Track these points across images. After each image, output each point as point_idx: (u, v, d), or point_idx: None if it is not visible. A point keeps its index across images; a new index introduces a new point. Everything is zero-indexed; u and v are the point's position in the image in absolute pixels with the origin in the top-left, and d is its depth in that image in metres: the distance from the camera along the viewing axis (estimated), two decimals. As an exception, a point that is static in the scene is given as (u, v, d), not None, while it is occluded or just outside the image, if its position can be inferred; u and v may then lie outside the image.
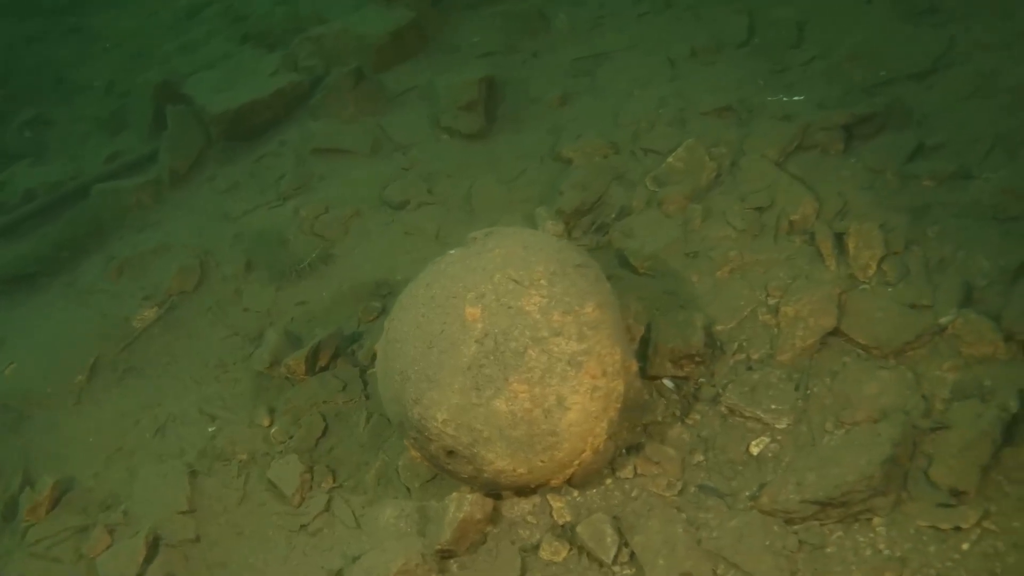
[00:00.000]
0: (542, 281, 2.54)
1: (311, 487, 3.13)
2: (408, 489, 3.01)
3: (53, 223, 4.63)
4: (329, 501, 3.07)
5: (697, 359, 3.07)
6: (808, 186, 3.61)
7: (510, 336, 2.46)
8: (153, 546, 2.98)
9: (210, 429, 3.38)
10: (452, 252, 2.76)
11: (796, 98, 4.19)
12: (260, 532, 3.05)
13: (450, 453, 2.59)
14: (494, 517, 2.85)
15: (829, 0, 4.70)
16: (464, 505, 2.71)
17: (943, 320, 2.98)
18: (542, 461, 2.57)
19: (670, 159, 3.85)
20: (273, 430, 3.30)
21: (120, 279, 4.21)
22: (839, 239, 3.34)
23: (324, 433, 3.25)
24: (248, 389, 3.55)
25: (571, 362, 2.49)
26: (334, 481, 3.14)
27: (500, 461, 2.56)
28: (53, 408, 3.65)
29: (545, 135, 4.49)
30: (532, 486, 2.76)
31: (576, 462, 2.66)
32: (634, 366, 2.76)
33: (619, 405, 2.66)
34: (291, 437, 3.27)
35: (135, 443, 3.42)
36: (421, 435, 2.59)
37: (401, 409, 2.62)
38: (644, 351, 3.12)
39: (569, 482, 2.88)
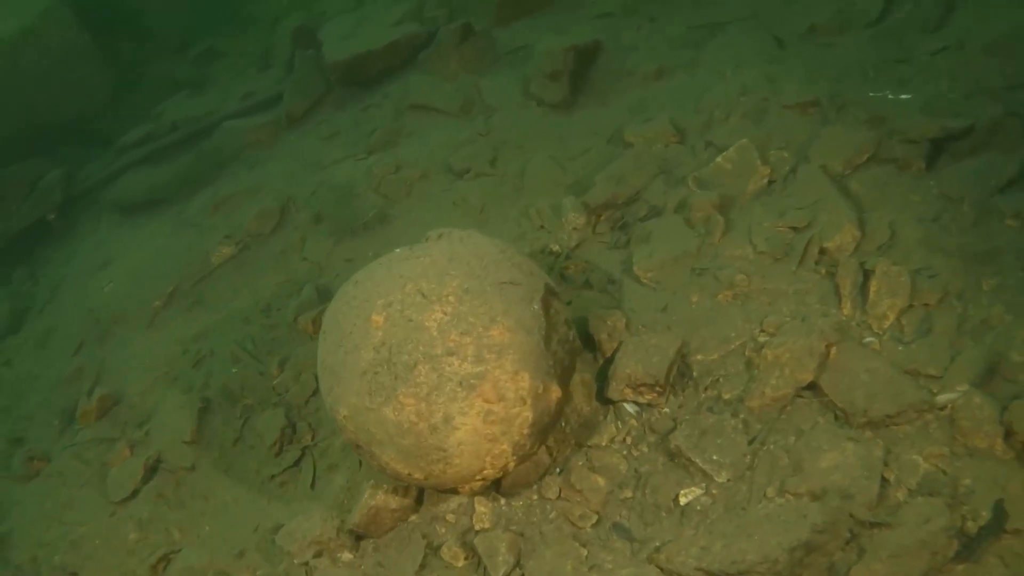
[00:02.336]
0: (450, 298, 2.54)
1: (291, 441, 3.43)
2: (360, 463, 3.21)
3: (185, 155, 5.26)
4: (300, 458, 3.36)
5: (657, 389, 2.92)
6: (860, 209, 3.19)
7: (403, 349, 2.51)
8: (152, 469, 3.46)
9: (233, 370, 3.78)
10: (397, 251, 2.82)
11: (903, 96, 3.65)
12: (241, 473, 3.42)
13: (357, 446, 2.73)
14: (425, 506, 2.99)
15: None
16: (377, 494, 2.86)
17: (942, 398, 2.58)
18: (437, 471, 2.63)
19: (719, 159, 3.55)
20: (275, 382, 3.63)
21: (215, 215, 4.72)
22: (867, 278, 2.95)
23: (314, 393, 3.51)
24: (278, 337, 3.90)
25: (462, 384, 2.49)
26: (312, 440, 3.42)
27: (395, 464, 2.66)
28: (130, 328, 4.26)
29: (625, 112, 4.28)
30: (443, 488, 2.84)
31: (478, 477, 2.69)
32: (555, 393, 2.68)
33: (527, 430, 2.63)
34: (287, 391, 3.58)
35: (177, 370, 3.92)
36: (335, 424, 2.76)
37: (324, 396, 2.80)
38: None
39: (499, 489, 2.94)
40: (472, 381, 2.50)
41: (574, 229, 3.61)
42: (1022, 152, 3.17)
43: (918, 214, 3.12)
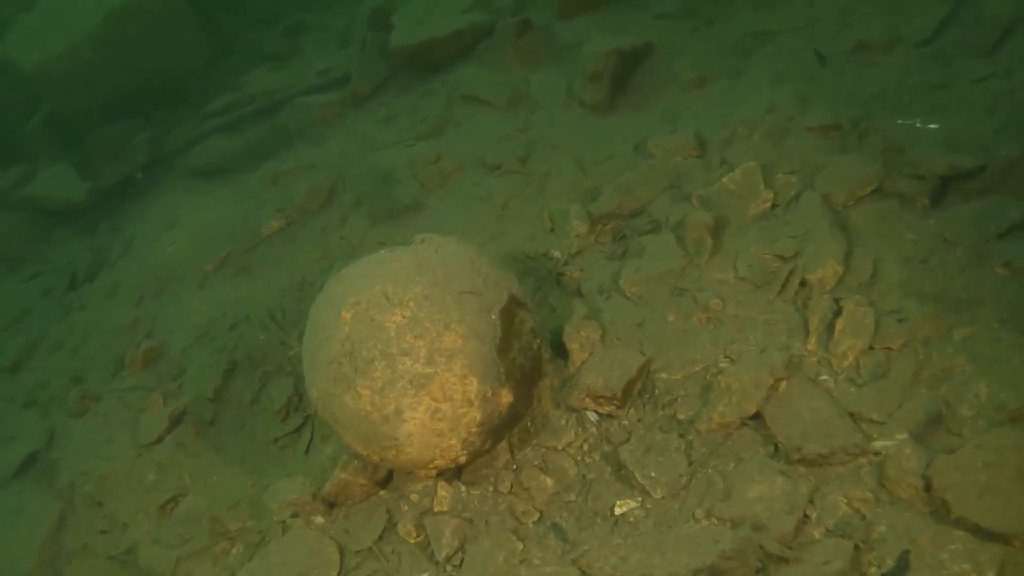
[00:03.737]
0: (411, 303, 2.80)
1: (296, 409, 3.82)
2: (349, 436, 3.54)
3: (258, 127, 5.70)
4: (301, 426, 3.74)
5: (615, 402, 3.09)
6: (852, 243, 3.23)
7: (364, 345, 2.80)
8: (177, 419, 3.93)
9: (261, 337, 4.20)
10: (381, 252, 3.11)
11: (931, 126, 3.61)
12: (252, 432, 3.84)
13: (327, 425, 3.06)
14: (394, 484, 3.30)
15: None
16: (348, 468, 3.19)
17: (878, 443, 2.66)
18: (390, 456, 2.92)
19: (725, 179, 3.63)
20: (292, 352, 4.01)
21: (272, 188, 5.14)
22: (836, 315, 3.01)
23: (322, 367, 3.87)
24: (305, 311, 4.23)
25: (413, 382, 2.76)
26: (313, 411, 3.78)
27: (356, 445, 2.97)
28: (184, 287, 4.75)
29: (657, 119, 4.39)
30: (402, 471, 3.14)
31: (431, 465, 2.97)
32: (505, 397, 2.91)
33: (475, 429, 2.88)
34: (300, 363, 3.95)
35: (215, 331, 4.37)
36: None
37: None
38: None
39: (460, 476, 3.21)
40: (422, 380, 2.77)
41: (577, 236, 3.79)
42: (1031, 198, 3.14)
43: (908, 254, 3.14)
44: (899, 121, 3.68)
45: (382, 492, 3.27)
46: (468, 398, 2.82)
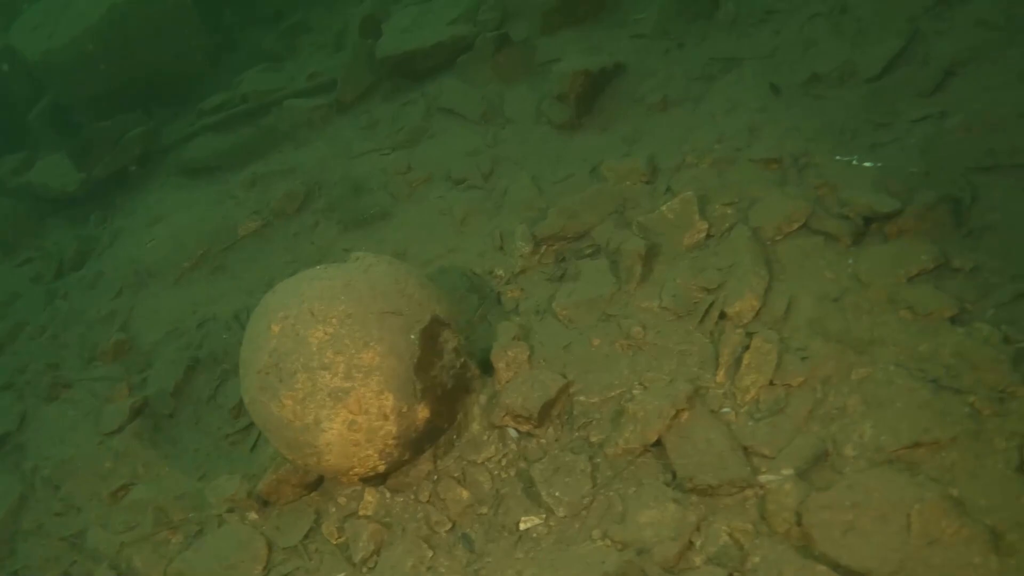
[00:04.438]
0: (333, 320, 2.99)
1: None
2: (291, 438, 3.75)
3: (247, 127, 5.90)
4: (251, 423, 3.94)
5: (532, 422, 3.26)
6: (773, 278, 3.35)
7: (289, 358, 2.99)
8: (138, 411, 4.15)
9: (224, 336, 4.41)
10: (317, 268, 3.29)
11: (867, 164, 3.71)
12: (206, 428, 4.06)
13: (259, 428, 3.27)
14: (326, 487, 3.49)
15: (1012, 43, 3.89)
16: (280, 469, 3.39)
17: (764, 478, 2.81)
18: (312, 462, 3.12)
19: (663, 207, 3.76)
20: (249, 353, 4.22)
21: (252, 189, 5.35)
22: (746, 350, 3.15)
23: (276, 369, 4.08)
24: (268, 312, 4.49)
25: (331, 394, 2.96)
26: (258, 411, 3.99)
27: (282, 449, 3.18)
28: (161, 282, 4.98)
29: (618, 141, 4.51)
30: (327, 476, 3.34)
31: (352, 472, 3.16)
32: (422, 413, 3.10)
33: (392, 441, 3.07)
34: (252, 365, 4.16)
35: (184, 327, 4.59)
36: (246, 406, 3.30)
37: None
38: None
39: (386, 483, 3.40)
40: (340, 394, 2.96)
41: (521, 256, 3.95)
42: (948, 243, 3.24)
43: (823, 292, 3.26)
44: (837, 158, 3.79)
45: (314, 494, 3.48)
46: (383, 412, 3.01)
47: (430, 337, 3.14)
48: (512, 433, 3.34)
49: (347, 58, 5.94)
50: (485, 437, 3.37)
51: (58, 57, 6.30)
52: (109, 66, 6.37)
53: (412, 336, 3.06)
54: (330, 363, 2.96)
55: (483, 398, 3.43)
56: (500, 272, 3.96)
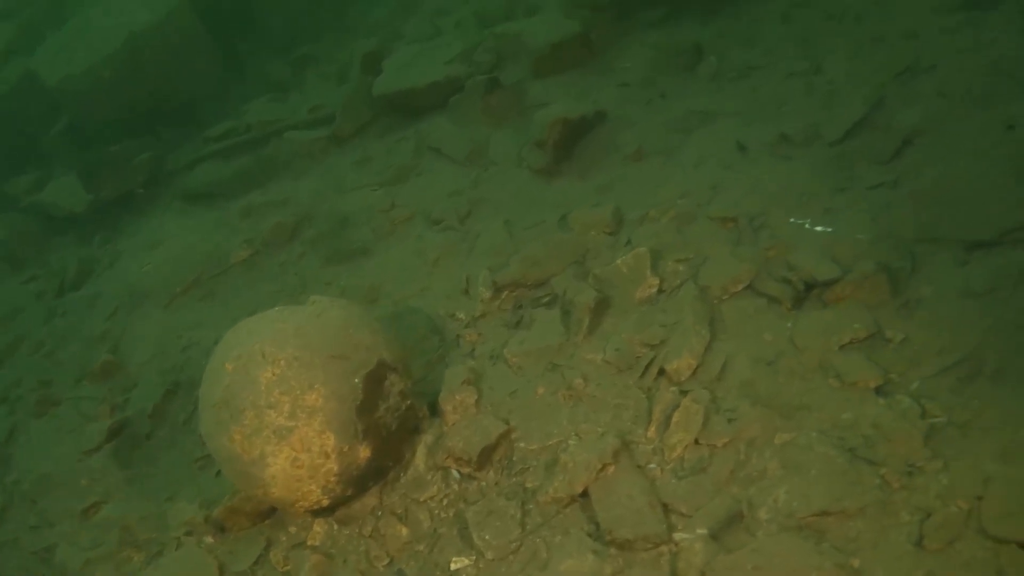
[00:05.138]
0: (282, 362, 3.17)
1: (218, 434, 4.22)
2: (253, 467, 3.94)
3: (248, 156, 6.15)
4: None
5: (472, 465, 3.41)
6: (713, 338, 3.47)
7: (239, 395, 3.18)
8: (117, 431, 4.37)
9: (204, 362, 4.59)
10: (276, 309, 3.48)
11: (818, 228, 3.83)
12: (180, 450, 4.26)
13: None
14: (279, 516, 3.67)
15: (969, 116, 3.99)
16: (235, 497, 3.58)
17: (678, 535, 2.92)
18: (259, 494, 3.30)
19: (619, 261, 3.90)
20: (224, 381, 4.42)
21: (246, 219, 5.58)
22: (676, 408, 3.27)
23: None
24: (248, 340, 4.69)
25: (276, 432, 3.13)
26: (233, 437, 4.18)
27: (234, 481, 3.36)
28: (153, 306, 5.21)
29: (591, 190, 4.67)
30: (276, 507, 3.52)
31: (298, 505, 3.33)
32: (363, 452, 3.26)
33: (334, 478, 3.24)
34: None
35: (169, 351, 4.81)
36: (205, 436, 3.49)
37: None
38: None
39: (334, 515, 3.57)
40: (284, 432, 3.14)
41: (482, 301, 4.11)
42: (883, 311, 3.34)
43: (759, 354, 3.37)
44: (792, 220, 3.91)
45: (268, 521, 3.66)
46: (325, 451, 3.18)
47: (375, 381, 3.31)
48: (455, 474, 3.49)
49: (347, 93, 6.16)
50: (429, 477, 3.52)
51: (75, 82, 6.62)
52: (124, 92, 6.67)
53: (356, 380, 3.23)
54: (276, 402, 3.14)
55: (430, 439, 3.59)
56: (461, 315, 4.12)
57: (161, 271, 5.38)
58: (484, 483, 3.43)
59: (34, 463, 4.42)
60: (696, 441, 3.14)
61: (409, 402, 3.46)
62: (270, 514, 3.63)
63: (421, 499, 3.47)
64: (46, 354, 5.26)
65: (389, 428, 3.38)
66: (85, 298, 5.60)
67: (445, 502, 3.46)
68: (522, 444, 3.45)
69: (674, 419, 3.21)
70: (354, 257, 4.95)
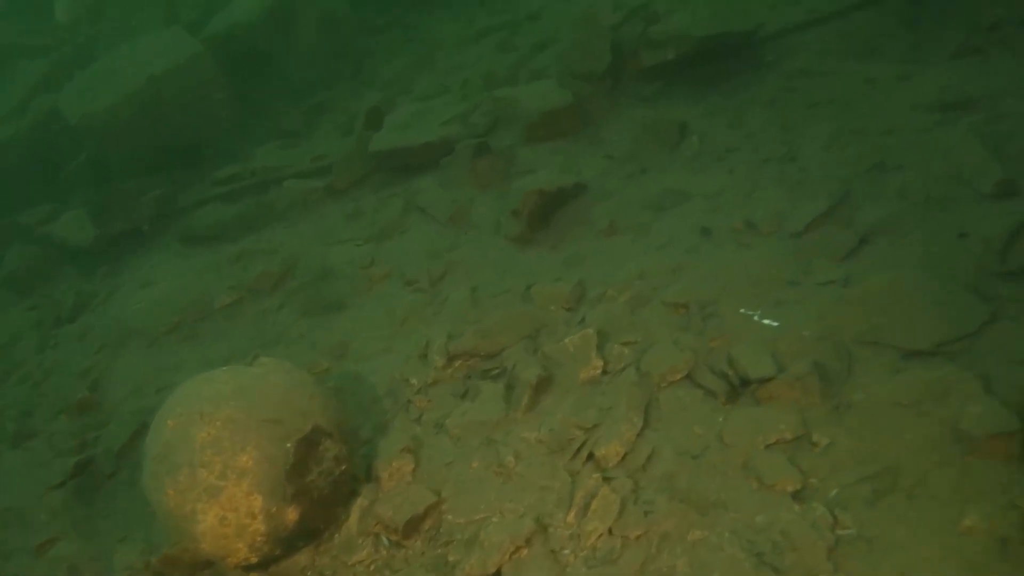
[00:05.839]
0: (218, 423, 3.31)
1: (175, 479, 4.36)
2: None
3: (248, 202, 6.37)
4: (174, 495, 4.28)
5: (400, 534, 3.49)
6: (645, 426, 3.53)
7: (176, 452, 3.31)
8: (81, 469, 4.54)
9: (175, 405, 4.78)
10: (221, 368, 3.63)
11: (766, 321, 3.87)
12: (140, 491, 4.40)
13: (153, 509, 3.59)
14: (217, 567, 3.78)
15: (925, 221, 4.02)
16: (174, 547, 3.70)
17: (578, 625, 2.97)
18: (192, 547, 3.42)
19: (566, 340, 3.98)
20: (188, 426, 4.57)
21: (235, 264, 5.77)
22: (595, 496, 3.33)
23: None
24: (219, 386, 4.85)
25: (206, 490, 3.26)
26: (189, 483, 4.32)
27: (170, 532, 3.49)
28: (138, 344, 5.40)
29: (559, 263, 4.77)
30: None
31: (227, 560, 3.43)
32: (291, 515, 3.37)
33: (260, 538, 3.35)
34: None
35: (146, 391, 4.99)
36: (147, 487, 3.63)
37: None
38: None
39: (267, 570, 3.67)
40: (213, 491, 3.26)
41: (435, 368, 4.22)
42: (809, 414, 3.37)
43: (686, 447, 3.42)
44: (742, 311, 3.96)
45: (205, 573, 3.77)
46: (252, 512, 3.29)
47: (308, 446, 3.42)
48: (384, 541, 3.58)
49: (346, 146, 6.36)
50: (360, 541, 3.61)
51: (96, 120, 6.94)
52: (141, 132, 6.98)
53: (288, 444, 3.35)
54: (209, 462, 3.27)
55: (366, 503, 3.69)
56: (414, 381, 4.22)
57: (149, 310, 5.58)
58: (411, 552, 3.51)
59: (0, 496, 4.60)
60: (610, 531, 3.19)
61: (344, 467, 3.57)
62: (207, 566, 3.74)
63: (350, 562, 3.55)
64: (33, 384, 5.48)
65: (321, 491, 3.48)
66: (77, 331, 5.83)
67: (373, 568, 3.54)
68: (450, 517, 3.53)
69: (592, 506, 3.27)
70: (329, 311, 5.10)
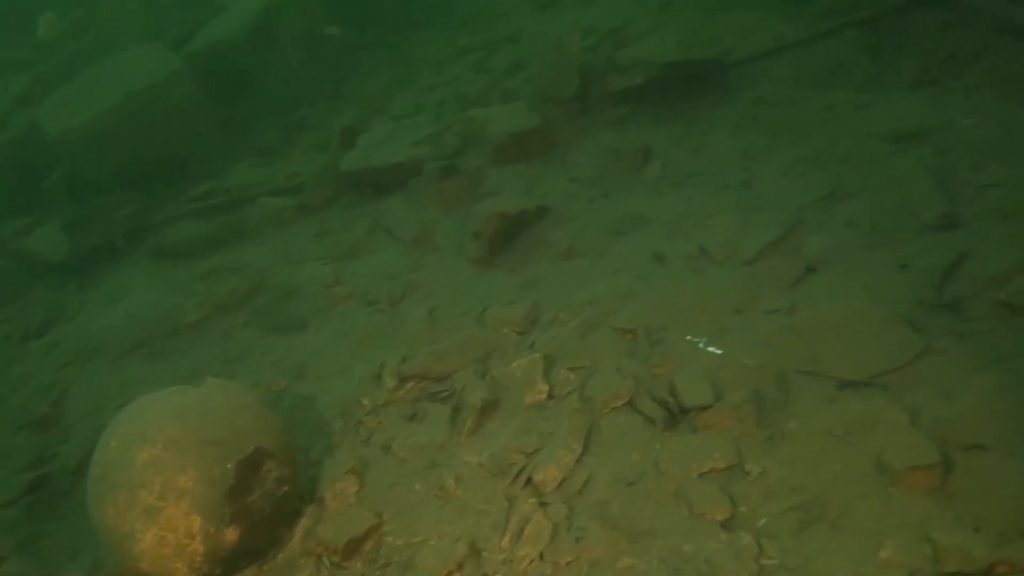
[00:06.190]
0: (159, 443, 3.36)
1: (129, 496, 4.41)
2: (150, 533, 4.12)
3: (221, 218, 6.45)
4: (127, 512, 4.33)
5: (341, 555, 3.54)
6: (587, 451, 3.58)
7: (117, 471, 3.37)
8: (38, 484, 4.59)
9: (134, 421, 4.83)
10: (171, 389, 3.69)
11: (711, 349, 3.93)
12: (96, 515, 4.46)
13: (97, 528, 3.65)
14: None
15: (870, 251, 4.09)
16: (117, 567, 3.75)
17: (504, 650, 3.01)
18: (132, 566, 3.47)
19: (514, 364, 4.04)
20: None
21: (204, 282, 5.85)
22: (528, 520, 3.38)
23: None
24: (179, 404, 4.91)
25: (145, 510, 3.31)
26: (142, 500, 4.37)
27: (112, 552, 3.54)
28: (103, 360, 5.46)
29: (516, 286, 4.83)
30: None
31: (171, 582, 3.50)
32: (230, 535, 3.42)
33: (199, 558, 3.40)
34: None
35: (107, 408, 5.02)
36: (93, 505, 3.69)
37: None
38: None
39: (209, 592, 3.73)
40: (152, 511, 3.32)
41: (387, 390, 4.28)
42: (744, 443, 3.42)
43: (622, 474, 3.46)
44: (688, 338, 4.02)
45: (150, 590, 3.83)
46: (191, 532, 3.35)
47: (250, 467, 3.48)
48: (326, 562, 3.63)
49: (319, 165, 6.45)
50: (302, 562, 3.65)
51: (74, 135, 7.04)
52: (118, 148, 7.07)
53: (229, 465, 3.41)
54: (149, 482, 3.32)
55: (309, 523, 3.74)
56: (366, 402, 4.28)
57: (116, 326, 5.65)
58: (351, 573, 3.56)
59: (-45, 511, 4.67)
60: (541, 556, 3.24)
61: (287, 488, 3.62)
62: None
63: (293, 587, 3.61)
64: (-1, 399, 5.56)
65: (263, 512, 3.54)
66: (44, 346, 5.89)
67: (316, 591, 3.59)
68: (390, 539, 3.57)
69: (526, 532, 3.32)
70: (292, 330, 5.16)
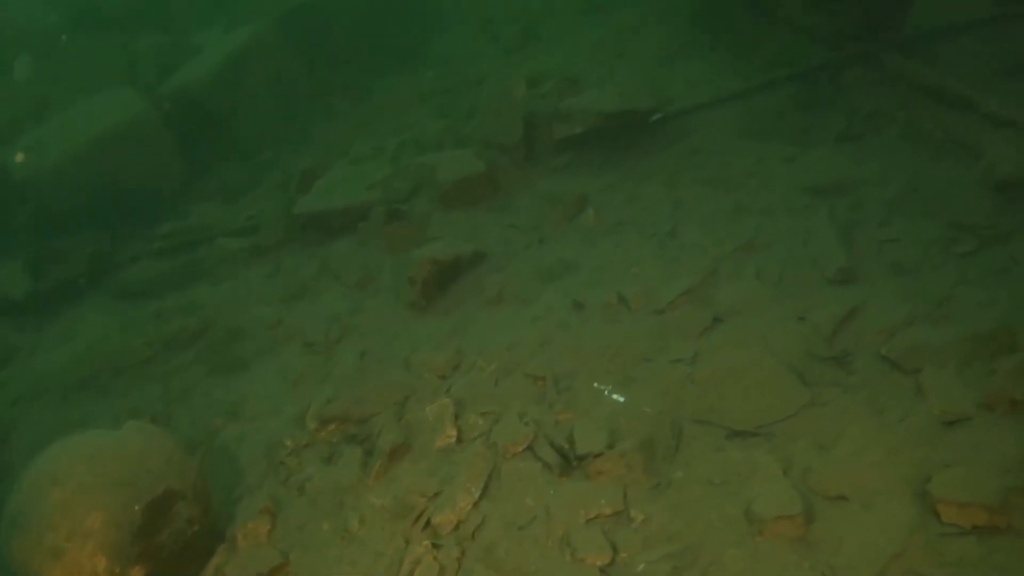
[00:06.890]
0: (71, 485, 3.55)
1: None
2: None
3: (183, 257, 6.69)
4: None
5: (247, 593, 3.72)
6: (485, 495, 3.75)
7: (28, 512, 3.55)
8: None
9: (73, 459, 5.02)
10: (90, 432, 3.88)
11: (615, 396, 4.11)
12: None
13: (13, 564, 3.83)
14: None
15: (774, 303, 4.27)
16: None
17: None
18: (49, 604, 3.66)
19: (427, 409, 4.22)
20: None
21: (156, 321, 6.06)
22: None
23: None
24: (119, 442, 5.10)
25: (51, 552, 3.49)
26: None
27: (26, 589, 3.73)
28: (52, 398, 5.66)
29: (446, 331, 5.02)
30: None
31: (81, 619, 3.67)
32: (136, 575, 3.60)
33: (106, 597, 3.58)
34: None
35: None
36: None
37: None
38: (228, 566, 3.87)
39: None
40: (58, 552, 3.50)
41: (308, 432, 4.46)
42: (633, 490, 3.58)
43: (515, 518, 3.63)
44: (595, 385, 4.20)
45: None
46: (95, 572, 3.52)
47: (158, 508, 3.66)
48: (262, 595, 3.80)
49: (274, 207, 6.69)
50: (240, 601, 3.83)
51: (42, 175, 7.31)
52: (85, 188, 7.34)
53: (136, 507, 3.59)
54: (57, 524, 3.51)
55: (220, 562, 3.91)
56: (289, 443, 4.46)
57: (65, 364, 5.86)
58: (279, 612, 3.73)
59: None
60: (448, 605, 3.40)
61: (197, 528, 3.80)
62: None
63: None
64: (-52, 437, 5.76)
65: (171, 552, 3.71)
66: (-3, 385, 6.13)
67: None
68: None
69: (415, 574, 3.48)
70: (233, 371, 5.35)
